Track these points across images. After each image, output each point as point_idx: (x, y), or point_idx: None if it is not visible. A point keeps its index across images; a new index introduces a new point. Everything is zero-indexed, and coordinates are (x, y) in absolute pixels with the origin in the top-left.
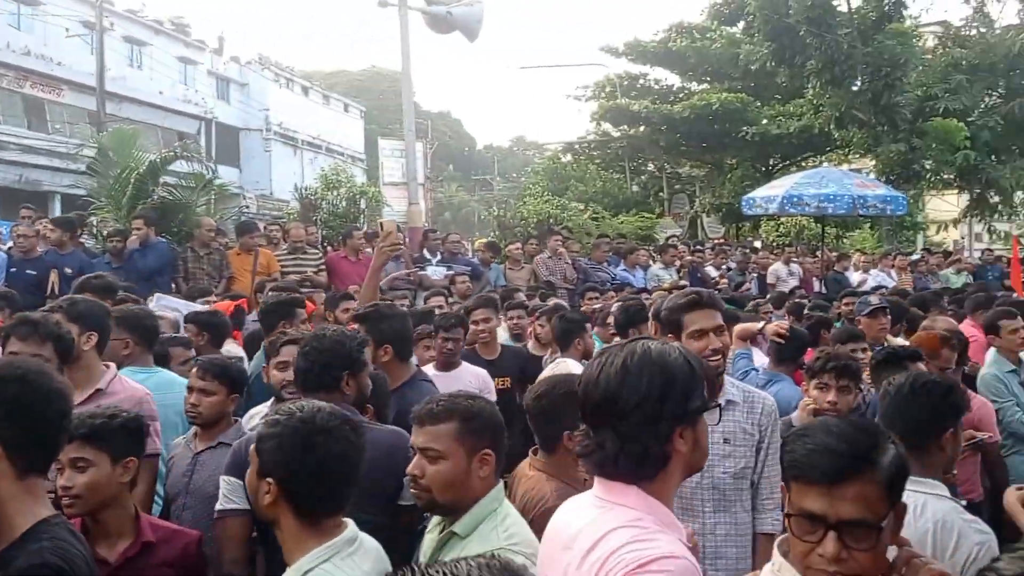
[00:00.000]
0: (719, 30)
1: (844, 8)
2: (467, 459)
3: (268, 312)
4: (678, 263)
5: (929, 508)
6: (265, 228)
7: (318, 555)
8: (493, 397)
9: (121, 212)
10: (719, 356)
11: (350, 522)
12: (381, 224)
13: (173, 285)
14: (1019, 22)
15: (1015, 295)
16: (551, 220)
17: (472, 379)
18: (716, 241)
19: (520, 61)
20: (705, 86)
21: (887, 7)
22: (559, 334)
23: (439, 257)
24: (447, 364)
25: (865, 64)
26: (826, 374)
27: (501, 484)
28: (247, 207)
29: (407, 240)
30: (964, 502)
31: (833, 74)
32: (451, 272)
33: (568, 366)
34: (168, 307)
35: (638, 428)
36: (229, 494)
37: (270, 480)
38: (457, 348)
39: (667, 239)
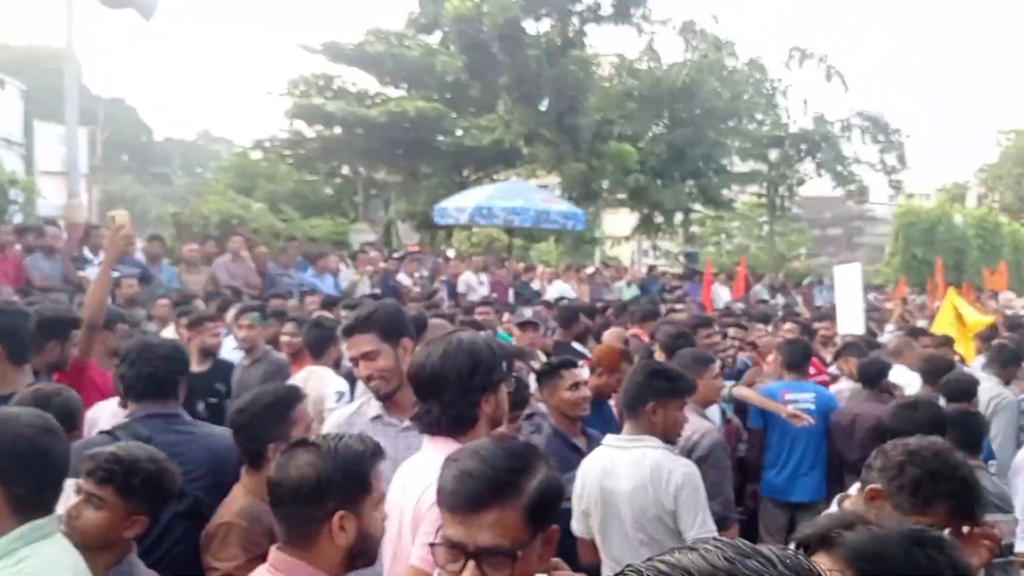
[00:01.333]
0: (416, 38)
1: (534, 29)
2: None
3: None
4: (371, 269)
5: (648, 457)
6: None
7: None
8: None
9: None
10: (375, 381)
11: None
12: (113, 217)
13: None
14: (683, 60)
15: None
16: (235, 220)
17: None
18: (409, 249)
19: (212, 51)
20: (402, 93)
21: (571, 34)
22: (311, 342)
23: (100, 256)
24: None
25: (552, 85)
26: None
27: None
28: None
29: (65, 237)
30: None
31: (523, 92)
32: (117, 274)
33: (321, 376)
34: None
35: (455, 397)
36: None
37: None
38: None
39: (362, 245)
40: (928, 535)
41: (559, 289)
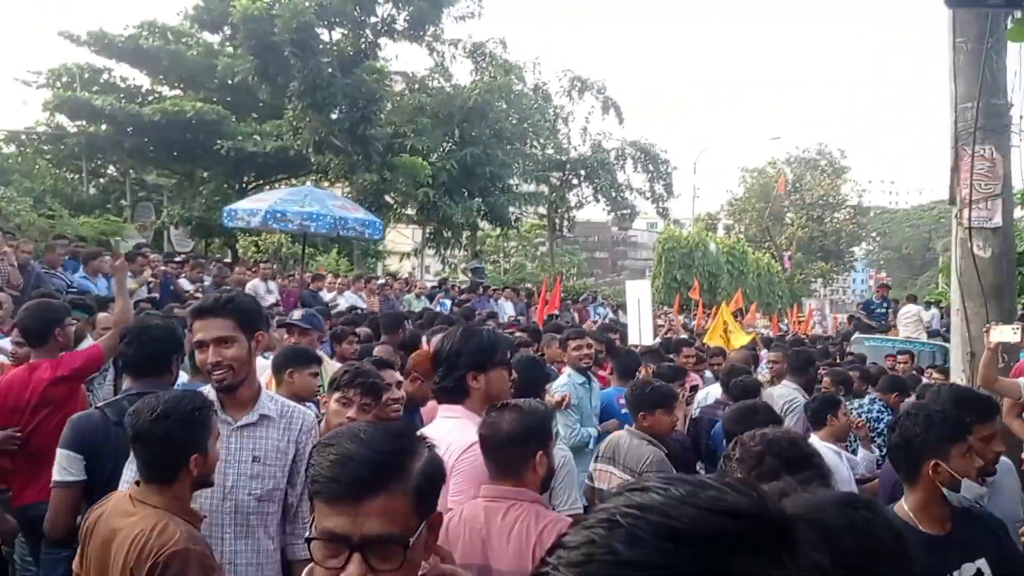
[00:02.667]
0: (197, 36)
1: (327, 37)
2: None
3: None
4: (148, 273)
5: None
6: None
7: None
8: None
9: None
10: (221, 370)
11: None
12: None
13: None
14: (472, 80)
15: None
16: None
17: None
18: (185, 254)
19: None
20: (179, 92)
21: (364, 45)
22: None
23: None
24: None
25: (344, 94)
26: (352, 388)
27: None
28: None
29: None
30: None
31: (314, 99)
32: None
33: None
34: None
35: (444, 372)
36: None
37: None
38: None
39: (135, 248)
40: (859, 498)
41: (350, 299)
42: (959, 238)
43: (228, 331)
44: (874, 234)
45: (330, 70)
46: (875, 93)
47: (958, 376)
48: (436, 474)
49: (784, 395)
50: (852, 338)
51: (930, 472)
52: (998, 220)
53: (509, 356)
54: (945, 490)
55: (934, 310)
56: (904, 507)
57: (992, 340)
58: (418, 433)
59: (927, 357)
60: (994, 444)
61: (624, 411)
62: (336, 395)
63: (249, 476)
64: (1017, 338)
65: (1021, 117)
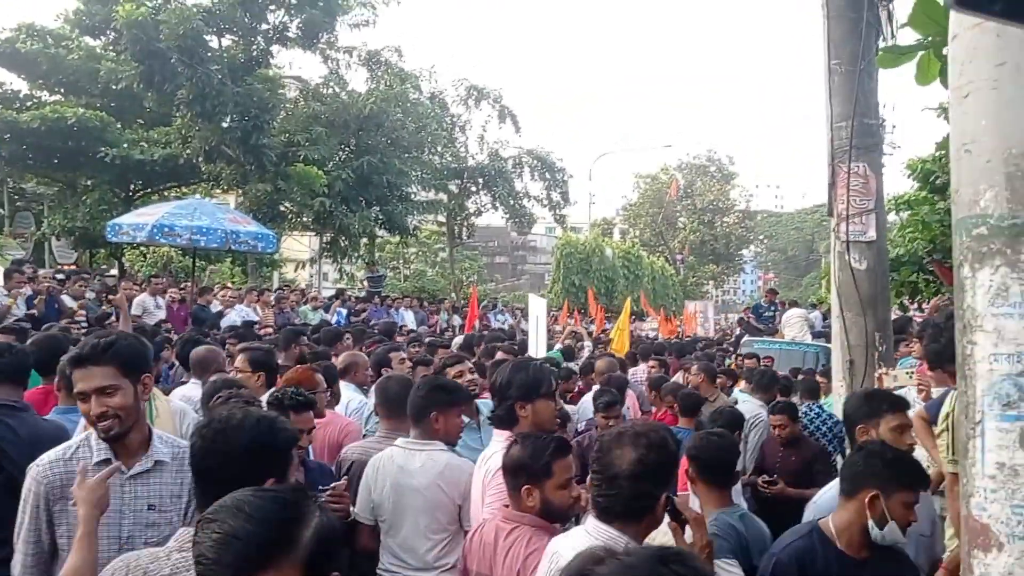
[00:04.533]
0: (78, 40)
1: (216, 44)
2: None
3: None
4: (29, 290)
5: (439, 458)
6: None
7: None
8: None
9: None
10: (107, 421)
11: None
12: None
13: None
14: (367, 88)
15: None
16: None
17: None
18: (67, 267)
19: None
20: (59, 97)
21: (255, 52)
22: None
23: None
24: None
25: (235, 103)
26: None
27: None
28: None
29: None
30: None
31: (204, 107)
32: None
33: None
34: None
35: (498, 402)
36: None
37: None
38: None
39: (12, 264)
40: (670, 552)
41: (242, 313)
42: (837, 251)
43: (111, 379)
44: (762, 237)
45: (220, 78)
46: (763, 98)
47: (838, 382)
48: (329, 537)
49: (748, 410)
50: (742, 340)
51: (866, 501)
52: (872, 234)
53: (555, 388)
54: (871, 522)
55: (817, 312)
56: (830, 523)
57: (888, 386)
58: (306, 496)
59: (812, 359)
60: (905, 436)
61: None
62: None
63: (145, 525)
64: (911, 381)
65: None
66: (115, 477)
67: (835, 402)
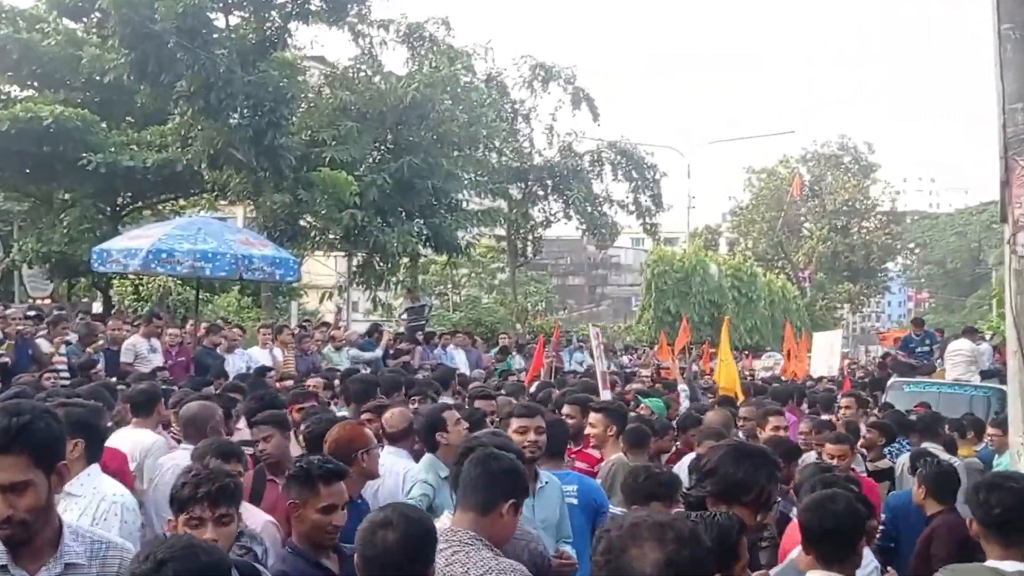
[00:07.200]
0: (56, 23)
1: (222, 23)
2: None
3: None
4: None
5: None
6: None
7: None
8: None
9: None
10: (10, 528)
11: None
12: None
13: None
14: (408, 71)
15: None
16: None
17: None
18: (42, 301)
19: None
20: (32, 92)
21: (269, 31)
22: None
23: None
24: None
25: (246, 95)
26: (197, 505)
27: None
28: None
29: None
30: None
31: (208, 101)
32: None
33: None
34: None
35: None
36: None
37: None
38: None
39: None
40: None
41: (256, 356)
42: (1013, 268)
43: (21, 473)
44: (912, 245)
45: (227, 64)
46: (908, 71)
47: (1018, 435)
48: None
49: None
50: (889, 383)
51: None
52: None
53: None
54: None
55: (987, 345)
56: None
57: None
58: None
59: (981, 404)
60: None
61: None
62: (182, 517)
63: None
64: None
65: None
66: None
67: (1013, 460)
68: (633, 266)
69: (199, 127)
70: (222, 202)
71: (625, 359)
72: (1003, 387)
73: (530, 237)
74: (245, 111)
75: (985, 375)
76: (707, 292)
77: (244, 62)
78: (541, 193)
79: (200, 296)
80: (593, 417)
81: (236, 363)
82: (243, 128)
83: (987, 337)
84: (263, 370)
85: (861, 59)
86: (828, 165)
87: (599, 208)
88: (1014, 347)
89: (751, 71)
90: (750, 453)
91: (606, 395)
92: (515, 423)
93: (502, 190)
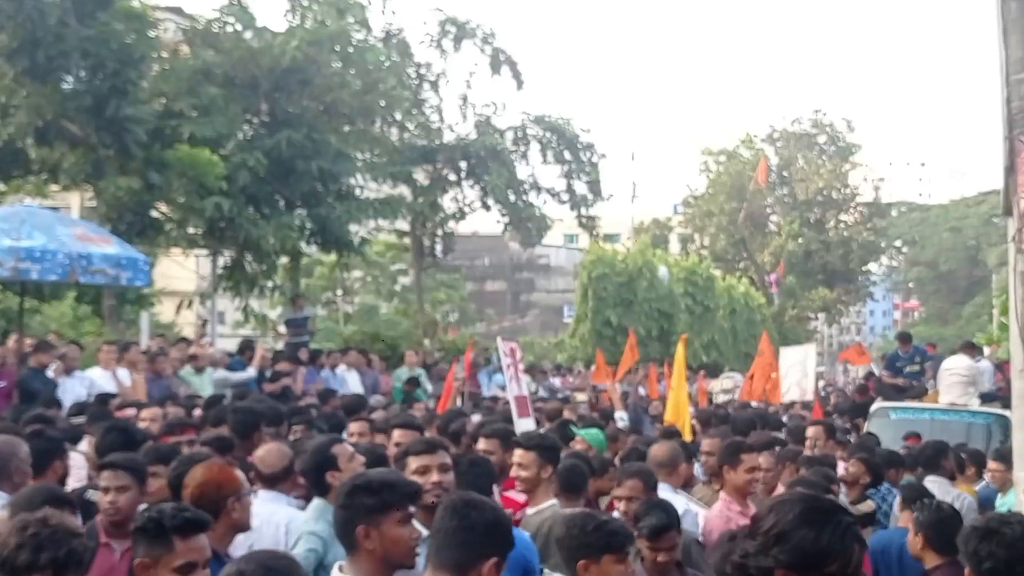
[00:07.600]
0: None
1: None
2: None
3: None
4: None
5: None
6: None
7: None
8: None
9: None
10: None
11: None
12: None
13: None
14: (288, 26)
15: None
16: None
17: None
18: None
19: None
20: None
21: None
22: None
23: None
24: None
25: (83, 53)
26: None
27: None
28: None
29: None
30: None
31: (34, 61)
32: None
33: None
34: None
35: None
36: None
37: None
38: None
39: None
40: None
41: (98, 381)
42: (1019, 270)
43: None
44: (898, 243)
45: (59, 15)
46: (894, 33)
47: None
48: None
49: None
50: (872, 409)
51: None
52: None
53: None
54: None
55: (987, 363)
56: None
57: None
58: None
59: (980, 433)
60: None
61: None
62: None
63: None
64: None
65: None
66: None
67: (1019, 500)
68: (566, 268)
69: (23, 93)
70: (53, 187)
71: (556, 381)
72: (1006, 412)
73: (439, 232)
74: (82, 74)
75: (985, 398)
76: (655, 300)
77: (80, 12)
78: (453, 178)
79: (25, 305)
80: (522, 456)
81: (72, 388)
82: (79, 95)
83: (987, 353)
84: (105, 397)
85: (838, 20)
86: (799, 146)
87: (524, 197)
88: (1020, 365)
89: (710, 37)
90: (829, 511)
91: (524, 424)
92: (413, 462)
93: (405, 174)
